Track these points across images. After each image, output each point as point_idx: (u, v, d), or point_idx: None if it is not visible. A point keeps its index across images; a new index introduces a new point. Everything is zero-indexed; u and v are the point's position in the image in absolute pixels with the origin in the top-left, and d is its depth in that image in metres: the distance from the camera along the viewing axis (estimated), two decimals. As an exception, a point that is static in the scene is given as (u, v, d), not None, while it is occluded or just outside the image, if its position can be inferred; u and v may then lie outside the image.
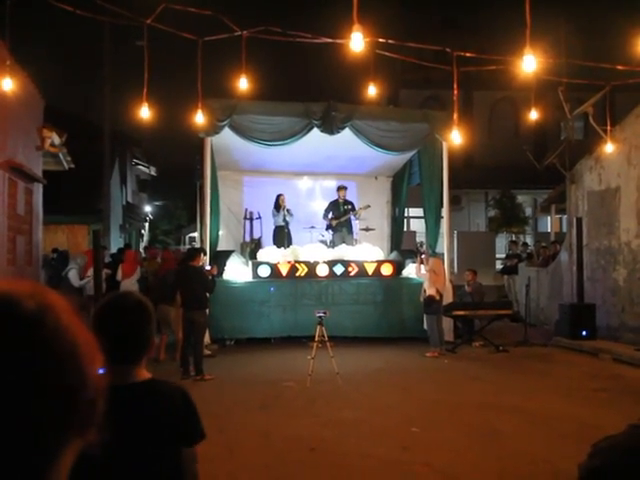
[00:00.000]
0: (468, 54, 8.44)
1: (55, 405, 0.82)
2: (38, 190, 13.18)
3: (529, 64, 6.43)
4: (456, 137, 9.58)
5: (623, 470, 1.67)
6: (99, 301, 2.36)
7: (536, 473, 5.99)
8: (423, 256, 13.22)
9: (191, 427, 2.34)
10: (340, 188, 15.76)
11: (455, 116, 9.35)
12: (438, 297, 12.42)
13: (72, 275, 14.28)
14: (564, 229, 19.04)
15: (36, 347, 0.81)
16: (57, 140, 13.37)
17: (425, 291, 12.53)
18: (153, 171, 35.52)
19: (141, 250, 18.53)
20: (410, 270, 14.59)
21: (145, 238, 36.20)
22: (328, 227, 15.60)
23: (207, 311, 11.12)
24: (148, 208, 37.83)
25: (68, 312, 0.88)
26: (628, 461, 1.65)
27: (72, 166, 15.38)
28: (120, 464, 2.04)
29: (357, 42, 5.56)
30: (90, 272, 12.69)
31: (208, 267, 11.70)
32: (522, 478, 5.98)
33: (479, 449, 6.65)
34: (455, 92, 8.39)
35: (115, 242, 22.80)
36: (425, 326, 12.88)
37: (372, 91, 9.21)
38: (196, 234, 19.50)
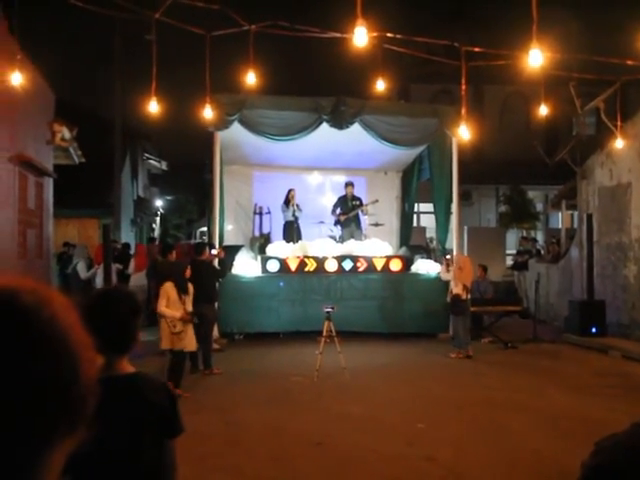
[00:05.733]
0: (476, 49, 8.40)
1: (45, 400, 0.82)
2: (48, 184, 13.26)
3: (535, 58, 6.39)
4: (464, 132, 9.53)
5: (625, 469, 1.67)
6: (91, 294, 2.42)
7: (542, 470, 5.98)
8: (448, 257, 12.69)
9: (172, 421, 2.39)
10: (348, 184, 15.77)
11: (463, 111, 9.32)
12: (465, 296, 11.78)
13: (80, 267, 14.39)
14: (575, 225, 18.93)
15: (29, 340, 0.82)
16: (67, 134, 13.44)
17: (452, 291, 11.98)
18: (164, 165, 35.56)
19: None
20: (419, 266, 14.57)
21: (156, 232, 36.29)
22: (336, 222, 15.62)
23: (216, 305, 11.19)
24: (159, 202, 37.91)
25: (66, 309, 0.89)
26: (631, 460, 1.65)
27: (82, 160, 15.47)
28: (103, 456, 2.06)
29: (361, 37, 5.55)
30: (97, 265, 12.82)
31: (214, 251, 11.69)
32: (528, 475, 5.97)
33: (485, 446, 6.65)
34: (463, 87, 8.35)
35: (126, 236, 22.88)
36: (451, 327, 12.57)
37: (380, 86, 9.19)
38: (206, 228, 19.56)
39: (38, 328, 0.83)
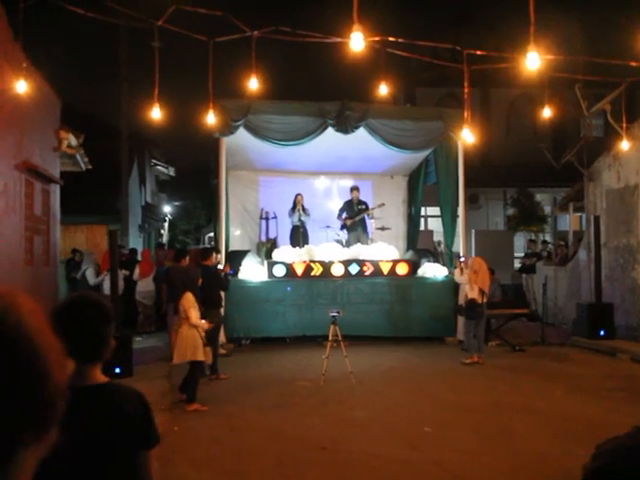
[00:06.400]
0: (479, 52, 8.39)
1: (10, 404, 0.83)
2: (55, 191, 13.31)
3: (533, 61, 6.40)
4: (468, 135, 9.50)
5: (626, 472, 1.65)
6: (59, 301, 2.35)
7: (547, 473, 5.95)
8: (462, 259, 12.41)
9: (146, 432, 2.31)
10: (353, 189, 15.75)
11: (466, 114, 9.30)
12: (481, 300, 11.44)
13: (89, 273, 14.46)
14: (583, 227, 18.86)
15: None
16: (74, 141, 13.50)
17: (467, 295, 11.62)
18: (172, 171, 35.67)
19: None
20: (426, 269, 14.54)
21: (164, 238, 36.40)
22: (343, 227, 15.62)
23: (222, 310, 11.20)
24: (167, 208, 38.03)
25: (34, 314, 0.90)
26: (631, 463, 1.64)
27: (89, 167, 15.53)
28: (73, 468, 2.01)
29: (357, 42, 5.55)
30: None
31: (221, 266, 11.72)
32: (533, 478, 5.94)
33: (490, 449, 6.62)
34: (466, 90, 8.34)
35: (134, 242, 22.96)
36: (462, 331, 12.22)
37: (384, 90, 9.20)
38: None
39: (4, 332, 0.84)
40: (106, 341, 2.28)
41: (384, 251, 14.68)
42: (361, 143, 14.12)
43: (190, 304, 8.32)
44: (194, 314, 8.30)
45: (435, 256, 16.22)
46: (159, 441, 2.36)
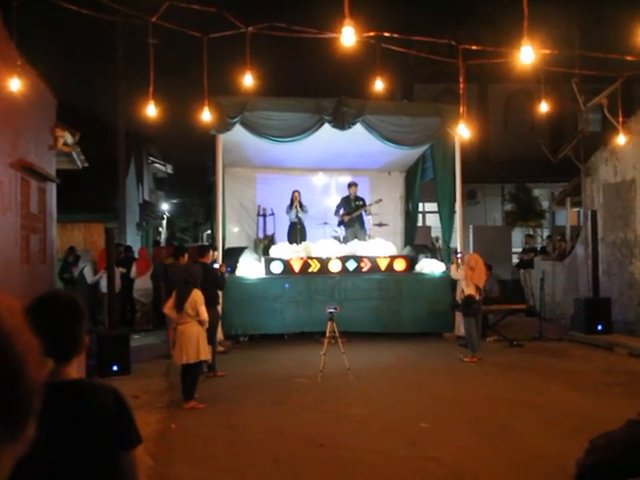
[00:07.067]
0: (475, 47, 8.37)
1: None
2: (51, 189, 13.27)
3: (527, 56, 6.39)
4: (464, 130, 9.48)
5: (619, 466, 1.64)
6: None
7: (546, 469, 5.94)
8: (459, 255, 12.34)
9: (124, 430, 2.21)
10: (351, 185, 15.75)
11: (462, 109, 9.28)
12: (478, 296, 11.38)
13: (87, 271, 14.43)
14: (581, 222, 18.84)
15: None
16: (70, 139, 13.45)
17: (463, 291, 11.52)
18: (170, 169, 35.62)
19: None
20: (423, 265, 14.53)
21: (163, 236, 36.36)
22: (340, 223, 15.61)
23: (219, 308, 11.18)
24: (165, 206, 37.99)
25: (11, 311, 0.89)
26: (624, 457, 1.63)
27: (86, 165, 15.48)
28: (44, 467, 1.89)
29: (348, 37, 5.54)
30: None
31: (217, 265, 11.70)
32: (531, 474, 5.93)
33: (489, 445, 6.62)
34: (462, 85, 8.32)
35: (132, 240, 22.93)
36: (462, 329, 12.06)
37: (379, 86, 9.17)
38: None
39: None
40: (79, 338, 2.22)
41: (381, 247, 14.69)
42: (358, 139, 14.10)
43: (201, 300, 8.34)
44: (205, 310, 8.31)
45: (433, 252, 16.23)
46: (140, 441, 2.26)
